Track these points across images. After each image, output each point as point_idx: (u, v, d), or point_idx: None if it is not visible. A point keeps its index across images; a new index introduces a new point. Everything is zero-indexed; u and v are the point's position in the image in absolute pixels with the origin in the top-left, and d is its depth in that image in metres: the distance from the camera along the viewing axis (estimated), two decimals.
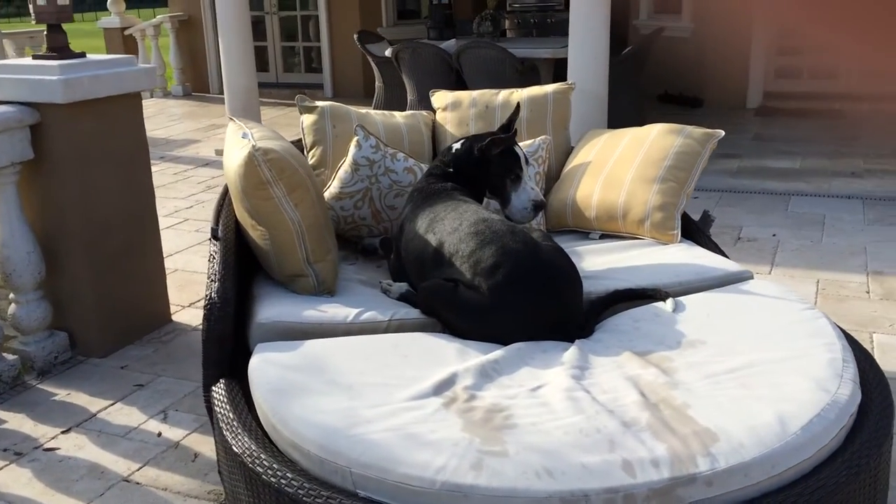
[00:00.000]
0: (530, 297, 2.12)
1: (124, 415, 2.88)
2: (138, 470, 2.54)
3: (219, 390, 2.03)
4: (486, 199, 2.68)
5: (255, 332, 2.16)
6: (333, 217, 2.82)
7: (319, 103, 3.12)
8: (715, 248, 2.72)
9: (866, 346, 3.01)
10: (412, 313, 2.28)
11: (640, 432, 1.60)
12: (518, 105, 2.72)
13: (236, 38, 6.65)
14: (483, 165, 2.57)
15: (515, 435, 1.61)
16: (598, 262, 2.61)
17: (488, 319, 2.12)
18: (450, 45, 6.87)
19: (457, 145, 2.66)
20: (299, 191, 2.39)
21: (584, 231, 2.94)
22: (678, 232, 2.73)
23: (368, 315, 2.25)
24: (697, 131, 2.92)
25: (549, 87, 3.24)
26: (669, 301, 2.23)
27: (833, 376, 1.78)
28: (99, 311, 3.29)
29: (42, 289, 3.23)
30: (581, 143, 3.16)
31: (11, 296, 3.23)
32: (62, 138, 3.10)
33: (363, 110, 3.19)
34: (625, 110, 6.21)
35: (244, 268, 2.51)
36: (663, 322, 2.14)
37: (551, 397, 1.77)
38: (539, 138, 3.03)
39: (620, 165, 2.90)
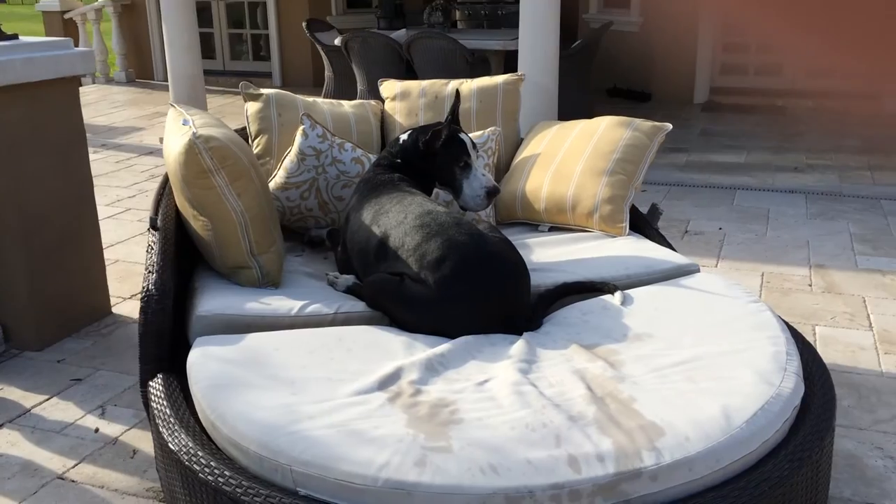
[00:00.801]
0: (477, 289, 2.09)
1: (60, 410, 2.77)
2: (74, 467, 2.45)
3: (156, 386, 1.96)
4: (435, 191, 2.65)
5: (196, 326, 2.10)
6: (279, 208, 2.76)
7: (265, 91, 3.04)
8: (663, 242, 2.74)
9: (809, 338, 3.06)
10: (358, 306, 2.24)
11: (587, 427, 1.59)
12: (458, 93, 2.68)
13: (180, 24, 6.49)
14: (430, 157, 2.54)
15: (461, 430, 1.59)
16: (547, 255, 2.60)
17: (435, 313, 2.09)
18: (400, 34, 6.81)
19: (404, 136, 2.62)
20: (242, 180, 2.33)
21: (533, 223, 2.92)
22: (626, 225, 2.73)
23: (313, 308, 2.20)
24: (646, 124, 2.92)
25: (500, 78, 3.21)
26: (617, 294, 2.23)
27: (777, 369, 1.79)
28: (34, 303, 3.17)
29: None
30: (531, 135, 3.14)
31: None
32: None
33: (310, 99, 3.13)
34: (574, 104, 6.22)
35: (186, 259, 2.44)
36: (611, 315, 2.14)
37: (498, 391, 1.75)
38: (489, 129, 3.01)
39: (570, 157, 2.89)
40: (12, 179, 3.06)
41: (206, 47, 10.18)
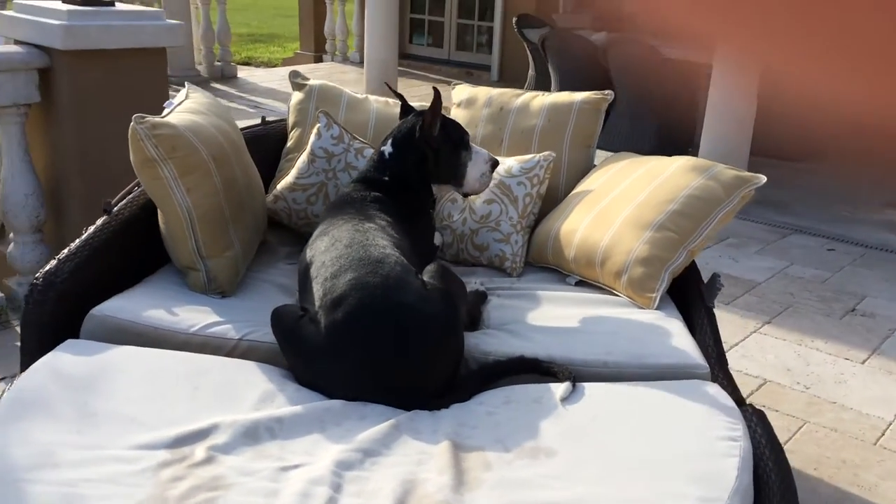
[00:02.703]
0: (369, 345, 1.71)
1: None
2: None
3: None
4: (438, 204, 2.33)
5: (86, 324, 1.92)
6: (284, 208, 2.53)
7: (312, 81, 2.82)
8: (705, 328, 2.13)
9: None
10: (269, 337, 1.94)
11: None
12: (435, 91, 2.28)
13: (380, 9, 6.49)
14: (429, 155, 2.25)
15: None
16: (540, 316, 2.13)
17: (316, 365, 1.74)
18: (599, 37, 6.30)
19: (387, 148, 2.27)
20: (195, 175, 2.12)
21: (563, 273, 2.43)
22: (657, 296, 2.16)
23: (218, 330, 1.94)
24: (727, 173, 2.31)
25: (579, 96, 2.72)
26: (564, 386, 1.73)
27: None
28: None
29: (41, 233, 3.22)
30: (599, 167, 2.63)
31: (11, 235, 3.25)
32: (67, 86, 3.04)
33: (362, 95, 2.85)
34: None
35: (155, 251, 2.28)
36: (533, 412, 1.66)
37: (289, 487, 1.38)
38: (541, 154, 2.54)
39: (619, 201, 2.36)
40: (83, 143, 3.11)
41: (436, 36, 10.26)
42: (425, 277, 1.86)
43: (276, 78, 9.02)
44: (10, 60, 2.93)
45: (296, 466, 1.44)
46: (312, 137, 2.53)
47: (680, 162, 2.41)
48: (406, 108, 2.40)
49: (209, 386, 1.68)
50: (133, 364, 1.74)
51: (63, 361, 1.72)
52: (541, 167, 2.52)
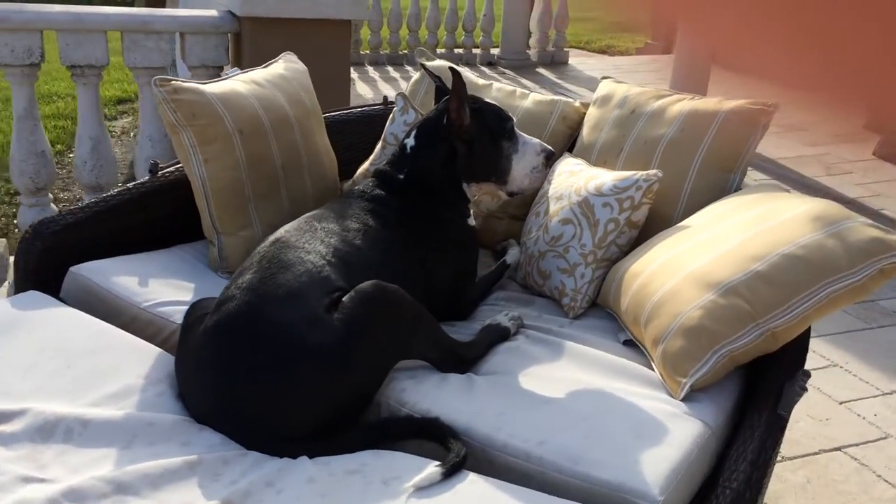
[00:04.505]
0: (222, 363, 1.46)
1: None
2: None
3: None
4: (470, 210, 1.97)
5: (66, 280, 1.92)
6: None
7: (437, 62, 2.54)
8: (753, 441, 1.48)
9: None
10: None
11: None
12: (453, 71, 1.86)
13: None
14: (460, 149, 1.91)
15: None
16: (533, 375, 1.65)
17: (181, 370, 1.53)
18: None
19: (409, 141, 1.93)
20: (215, 145, 2.01)
21: (620, 322, 1.88)
22: (689, 384, 1.55)
23: (166, 311, 1.81)
24: (865, 232, 1.59)
25: (729, 103, 2.08)
26: (429, 471, 1.31)
27: None
28: None
29: None
30: (728, 197, 1.99)
31: None
32: (248, 52, 3.13)
33: (487, 82, 2.49)
34: None
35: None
36: (363, 494, 1.27)
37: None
38: (644, 172, 1.99)
39: (701, 246, 1.75)
40: None
41: None
42: (345, 298, 1.53)
43: (607, 66, 8.67)
44: (199, 24, 3.09)
45: (40, 480, 1.26)
46: (388, 123, 2.27)
47: (811, 205, 1.72)
48: (441, 92, 2.03)
49: (84, 368, 1.56)
50: (46, 328, 1.69)
51: None
52: (638, 188, 1.97)
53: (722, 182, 2.06)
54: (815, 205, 1.71)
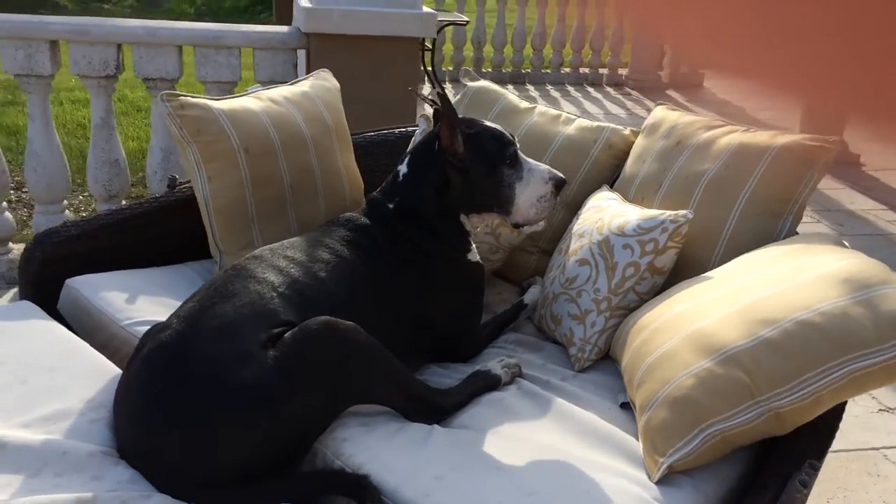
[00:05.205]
0: (143, 396, 1.37)
1: None
2: None
3: None
4: (471, 245, 1.80)
5: (63, 292, 1.91)
6: None
7: (479, 83, 2.39)
8: None
9: None
10: None
11: None
12: (441, 96, 1.70)
13: None
14: (454, 178, 1.75)
15: None
16: (501, 436, 1.47)
17: (114, 400, 1.46)
18: None
19: (402, 168, 1.78)
20: (218, 163, 1.95)
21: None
22: (668, 463, 1.32)
23: (143, 329, 1.75)
24: None
25: (784, 138, 1.81)
26: None
27: None
28: None
29: None
30: (769, 245, 1.71)
31: None
32: (317, 67, 3.09)
33: (527, 105, 2.31)
34: None
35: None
36: None
37: None
38: (669, 213, 1.75)
39: (721, 301, 1.51)
40: None
41: None
42: (287, 335, 1.41)
43: (744, 90, 8.14)
44: (267, 39, 3.09)
45: None
46: (410, 145, 2.14)
47: (849, 262, 1.44)
48: (438, 116, 1.88)
49: (35, 385, 1.52)
50: (17, 340, 1.67)
51: None
52: (663, 230, 1.74)
53: (768, 228, 1.79)
54: (853, 262, 1.43)
